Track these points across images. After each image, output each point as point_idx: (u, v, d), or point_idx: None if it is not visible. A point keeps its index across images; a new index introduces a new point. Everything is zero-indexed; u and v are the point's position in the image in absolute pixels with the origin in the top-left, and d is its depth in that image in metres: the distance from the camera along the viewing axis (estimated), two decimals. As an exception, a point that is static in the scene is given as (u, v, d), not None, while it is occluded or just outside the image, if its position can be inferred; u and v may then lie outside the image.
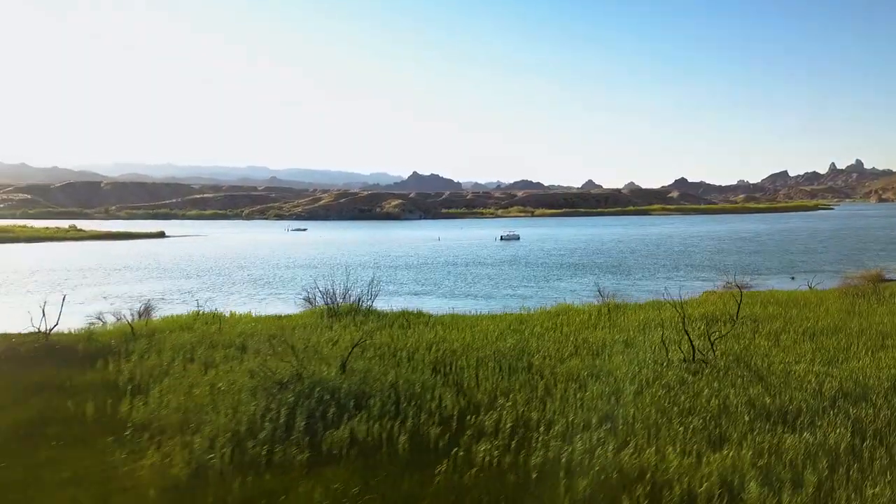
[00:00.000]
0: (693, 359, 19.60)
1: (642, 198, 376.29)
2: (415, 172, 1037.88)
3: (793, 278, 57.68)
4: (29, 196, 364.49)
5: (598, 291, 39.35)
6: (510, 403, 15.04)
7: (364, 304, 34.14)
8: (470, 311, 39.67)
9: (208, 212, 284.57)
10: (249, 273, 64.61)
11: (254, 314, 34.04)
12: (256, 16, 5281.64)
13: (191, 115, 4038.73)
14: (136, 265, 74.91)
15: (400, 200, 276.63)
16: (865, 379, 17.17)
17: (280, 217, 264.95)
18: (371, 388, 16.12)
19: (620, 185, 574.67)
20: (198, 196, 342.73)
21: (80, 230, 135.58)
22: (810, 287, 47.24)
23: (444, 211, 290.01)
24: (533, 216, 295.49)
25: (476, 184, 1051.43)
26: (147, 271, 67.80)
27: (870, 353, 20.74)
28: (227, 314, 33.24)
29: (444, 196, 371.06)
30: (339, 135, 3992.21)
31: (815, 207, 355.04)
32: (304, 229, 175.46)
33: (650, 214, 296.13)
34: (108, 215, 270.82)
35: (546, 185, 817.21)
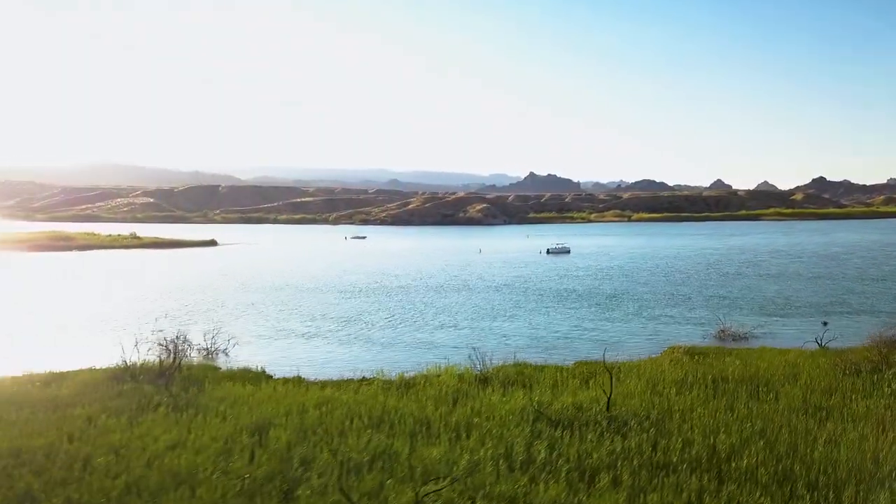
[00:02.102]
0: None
1: (759, 200, 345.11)
2: (531, 173, 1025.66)
3: (825, 323, 44.77)
4: (152, 200, 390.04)
5: (473, 355, 30.15)
6: None
7: (187, 359, 27.59)
8: (333, 371, 32.34)
9: (297, 216, 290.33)
10: (194, 297, 59.69)
11: (55, 370, 28.40)
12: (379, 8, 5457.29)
13: (321, 118, 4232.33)
14: (118, 281, 72.67)
15: (485, 205, 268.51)
16: None
17: (366, 222, 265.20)
18: None
19: (752, 185, 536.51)
20: (297, 200, 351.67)
21: (138, 238, 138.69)
22: (820, 345, 35.46)
23: (531, 215, 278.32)
24: (629, 221, 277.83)
25: (597, 183, 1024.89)
26: (117, 291, 64.48)
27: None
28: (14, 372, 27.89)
29: (544, 198, 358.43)
30: (463, 136, 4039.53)
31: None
32: (364, 237, 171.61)
33: (761, 220, 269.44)
34: (207, 219, 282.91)
35: (671, 184, 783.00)
